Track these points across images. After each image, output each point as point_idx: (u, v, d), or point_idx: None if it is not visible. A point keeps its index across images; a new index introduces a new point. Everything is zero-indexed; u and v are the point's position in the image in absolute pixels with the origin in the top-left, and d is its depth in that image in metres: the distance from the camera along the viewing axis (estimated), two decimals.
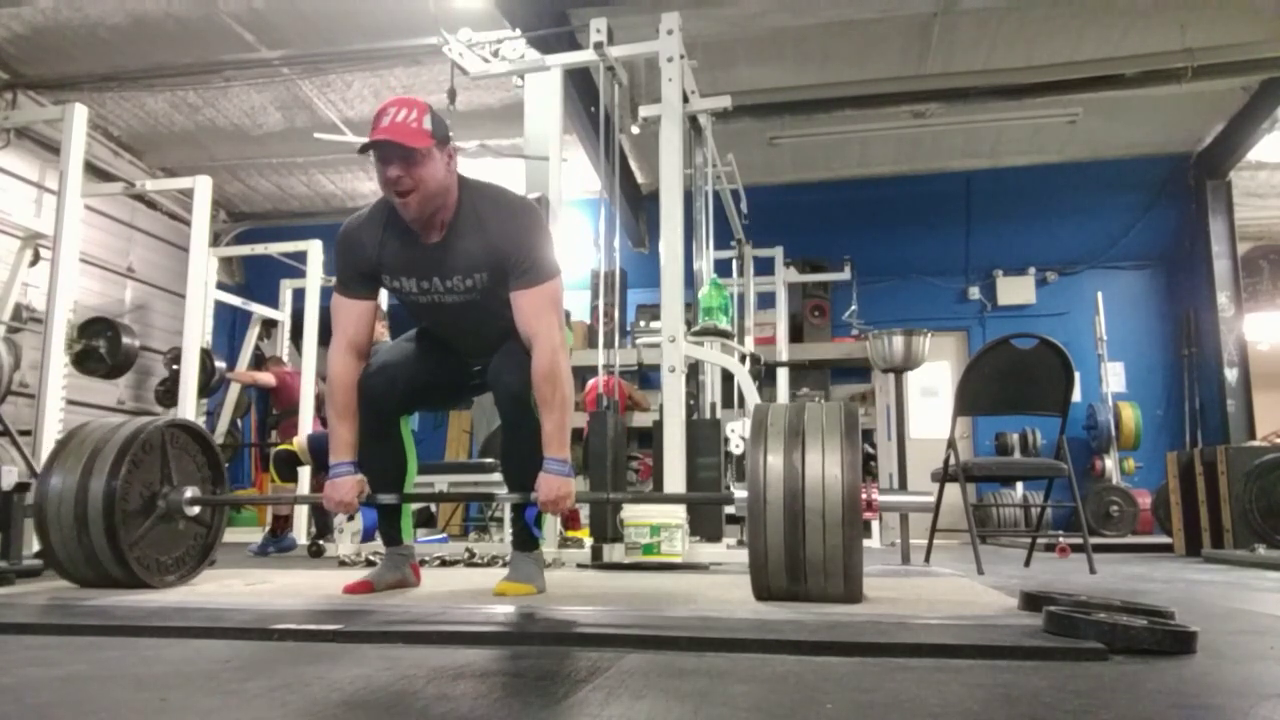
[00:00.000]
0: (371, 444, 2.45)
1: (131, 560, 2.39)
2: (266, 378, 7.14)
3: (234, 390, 7.84)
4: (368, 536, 2.50)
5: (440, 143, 2.26)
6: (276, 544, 5.09)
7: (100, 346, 6.86)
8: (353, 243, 2.40)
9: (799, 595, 2.07)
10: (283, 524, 5.20)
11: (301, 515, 6.04)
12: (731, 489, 3.36)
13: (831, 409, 2.16)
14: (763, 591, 2.11)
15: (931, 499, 2.93)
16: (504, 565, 3.09)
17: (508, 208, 2.36)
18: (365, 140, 2.22)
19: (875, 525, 6.63)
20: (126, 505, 2.41)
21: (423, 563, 2.88)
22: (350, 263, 2.41)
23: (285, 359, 7.57)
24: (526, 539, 2.53)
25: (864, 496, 2.08)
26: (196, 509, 2.61)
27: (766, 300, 7.84)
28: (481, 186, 2.40)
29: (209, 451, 2.75)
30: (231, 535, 7.23)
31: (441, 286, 2.36)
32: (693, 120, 4.71)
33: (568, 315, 5.65)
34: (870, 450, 7.23)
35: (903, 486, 4.15)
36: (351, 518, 4.97)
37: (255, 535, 6.73)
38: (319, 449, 4.92)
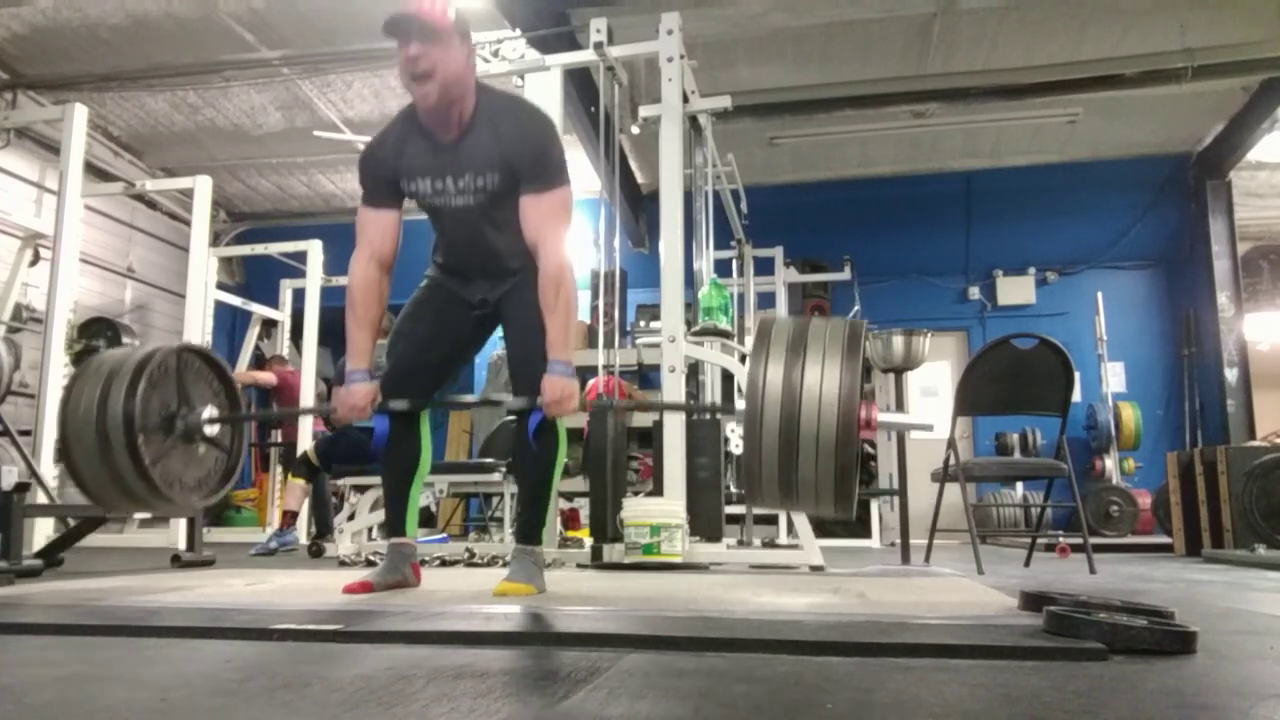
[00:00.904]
0: (392, 438, 2.50)
1: (155, 476, 2.38)
2: (267, 378, 7.14)
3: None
4: (379, 441, 2.52)
5: (462, 35, 2.30)
6: (280, 537, 5.12)
7: (100, 346, 6.85)
8: (374, 152, 2.45)
9: (791, 503, 2.08)
10: (290, 520, 5.24)
11: (302, 516, 6.04)
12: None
13: (835, 325, 2.16)
14: (756, 502, 2.14)
15: (928, 421, 2.93)
16: (504, 565, 3.09)
17: (524, 113, 2.42)
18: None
19: (875, 525, 6.64)
20: (147, 422, 2.40)
21: (423, 563, 2.88)
22: (373, 173, 2.45)
23: (284, 357, 7.56)
24: (530, 516, 2.53)
25: (862, 415, 2.08)
26: (215, 428, 2.60)
27: (766, 300, 7.84)
28: (499, 92, 2.45)
29: (223, 377, 2.72)
30: (231, 535, 7.27)
31: (454, 187, 2.37)
32: (693, 120, 4.71)
33: None
34: (870, 450, 7.23)
35: (902, 488, 4.15)
36: (346, 513, 5.02)
37: (255, 535, 6.75)
38: (324, 453, 4.97)
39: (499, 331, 2.63)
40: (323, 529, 5.16)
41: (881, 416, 2.19)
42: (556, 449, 2.49)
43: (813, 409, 1.97)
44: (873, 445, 7.32)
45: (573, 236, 2.43)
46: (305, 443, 6.22)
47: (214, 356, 2.72)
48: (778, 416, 1.99)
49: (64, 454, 2.42)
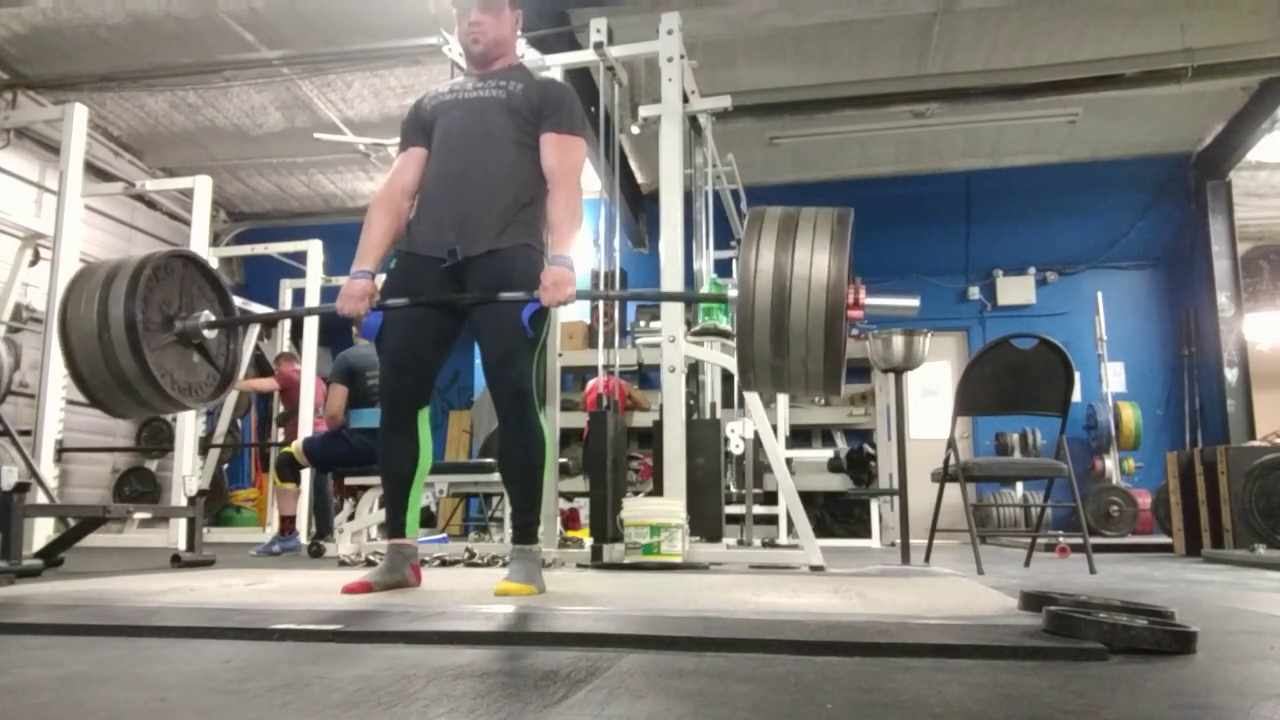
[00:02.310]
0: (391, 437, 2.50)
1: (158, 374, 2.38)
2: (266, 384, 7.14)
3: (234, 390, 7.84)
4: (368, 332, 2.53)
5: (513, 5, 2.64)
6: (283, 543, 5.12)
7: None
8: (415, 109, 2.69)
9: (782, 385, 2.16)
10: (290, 525, 5.22)
11: (302, 516, 6.04)
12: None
13: (824, 213, 2.19)
14: (748, 385, 2.21)
15: (914, 301, 2.95)
16: (504, 565, 3.09)
17: (555, 81, 2.84)
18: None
19: (875, 525, 6.64)
20: (146, 316, 2.40)
21: (423, 563, 2.88)
22: (410, 124, 2.67)
23: (293, 353, 7.51)
24: (525, 489, 2.51)
25: (850, 296, 2.13)
26: (214, 332, 2.60)
27: None
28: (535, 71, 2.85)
29: (215, 285, 2.71)
30: (232, 536, 7.27)
31: (473, 86, 2.60)
32: (693, 120, 4.71)
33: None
34: (870, 450, 7.23)
35: (902, 488, 4.15)
36: (346, 513, 5.01)
37: (255, 535, 6.75)
38: (313, 453, 4.95)
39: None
40: (323, 529, 5.15)
41: (869, 299, 2.27)
42: (542, 445, 2.48)
43: (803, 290, 2.04)
44: (873, 445, 7.32)
45: (585, 179, 2.59)
46: None
47: (204, 262, 2.72)
48: (769, 298, 2.05)
49: (65, 356, 2.44)
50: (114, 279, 2.39)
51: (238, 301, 7.56)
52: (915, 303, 2.89)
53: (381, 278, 2.52)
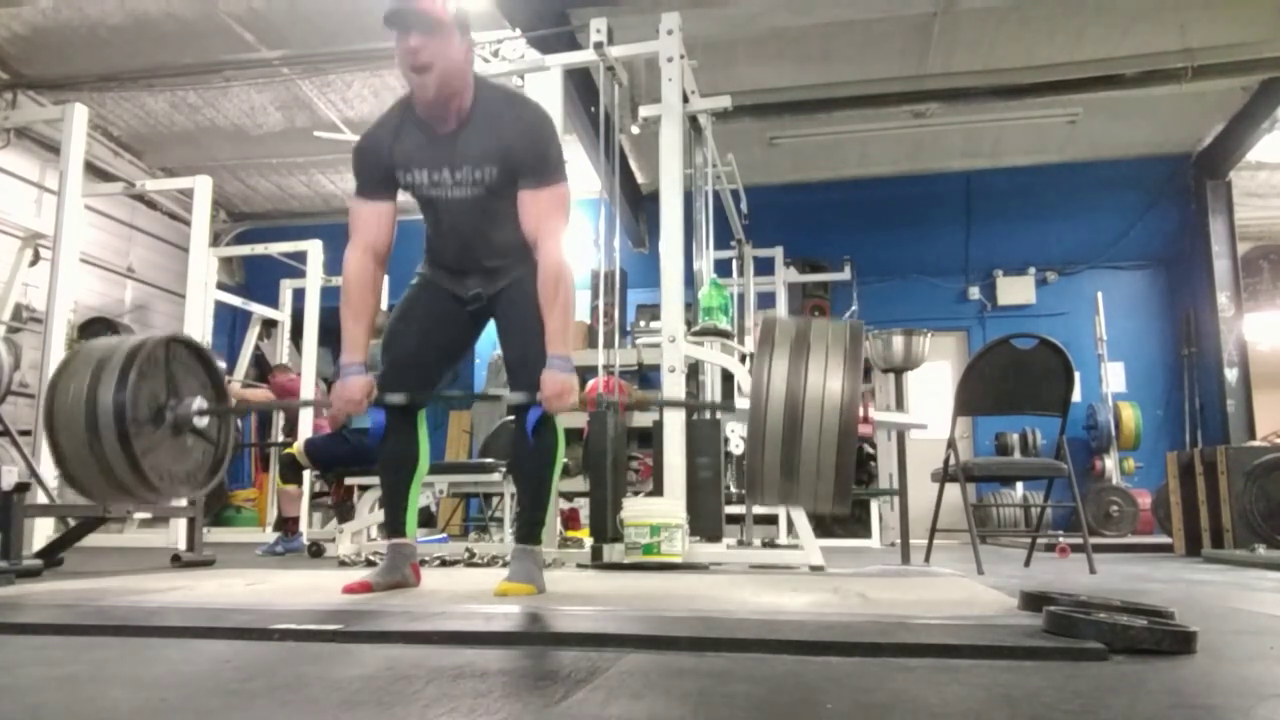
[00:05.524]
0: (389, 438, 2.49)
1: (146, 467, 2.37)
2: (264, 394, 7.14)
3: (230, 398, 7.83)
4: (375, 438, 2.50)
5: (461, 28, 2.30)
6: (286, 543, 5.12)
7: None
8: (370, 144, 2.44)
9: (790, 501, 2.15)
10: (294, 525, 5.22)
11: (303, 516, 6.04)
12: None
13: (837, 327, 2.19)
14: (757, 498, 2.18)
15: (923, 420, 2.98)
16: (504, 565, 3.09)
17: (523, 108, 2.42)
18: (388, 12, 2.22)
19: (875, 525, 6.63)
20: (137, 414, 2.38)
21: (423, 563, 2.88)
22: (367, 164, 2.45)
23: (289, 365, 7.53)
24: (530, 499, 2.52)
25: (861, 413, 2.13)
26: (205, 420, 2.58)
27: (766, 300, 7.84)
28: (497, 86, 2.45)
29: (210, 369, 2.70)
30: (232, 536, 7.26)
31: (451, 179, 2.36)
32: (693, 120, 4.70)
33: None
34: (870, 450, 7.23)
35: (902, 488, 4.15)
36: (350, 502, 5.00)
37: (256, 536, 6.75)
38: (315, 453, 4.95)
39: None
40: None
41: (877, 415, 2.28)
42: (555, 448, 2.49)
43: (815, 409, 2.01)
44: (873, 445, 7.32)
45: (571, 233, 2.43)
46: None
47: (201, 347, 2.70)
48: (781, 414, 2.03)
49: (51, 445, 2.40)
50: (104, 367, 2.35)
51: (238, 302, 7.63)
52: (922, 421, 2.93)
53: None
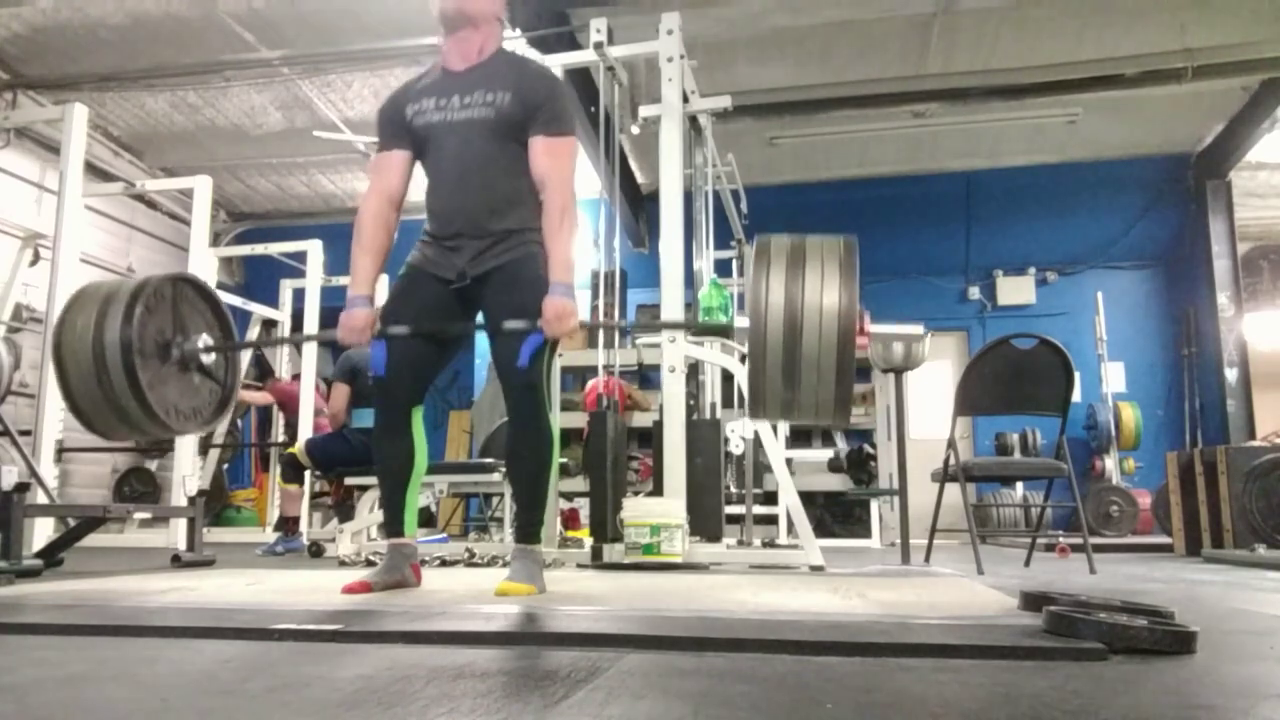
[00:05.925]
0: (386, 438, 2.48)
1: (151, 401, 2.36)
2: (262, 398, 7.14)
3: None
4: (376, 366, 2.50)
5: None
6: (287, 544, 5.12)
7: None
8: (391, 99, 2.57)
9: (793, 414, 2.19)
10: (294, 525, 5.23)
11: (303, 516, 6.04)
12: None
13: (832, 241, 2.20)
14: (759, 413, 2.24)
15: (919, 330, 3.00)
16: (504, 565, 3.09)
17: (541, 67, 2.60)
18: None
19: (875, 525, 6.63)
20: (143, 346, 2.38)
21: (423, 563, 2.88)
22: (387, 116, 2.56)
23: (284, 372, 7.53)
24: (526, 501, 2.51)
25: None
26: (211, 357, 2.58)
27: None
28: (520, 54, 2.65)
29: (217, 310, 2.70)
30: (232, 536, 7.26)
31: (459, 103, 2.45)
32: (693, 120, 4.71)
33: None
34: (870, 450, 7.23)
35: (902, 488, 4.15)
36: (350, 502, 5.00)
37: (256, 535, 6.75)
38: (316, 453, 4.95)
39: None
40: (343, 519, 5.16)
41: (874, 327, 2.32)
42: (549, 447, 2.48)
43: (814, 316, 2.06)
44: (872, 445, 7.32)
45: (578, 181, 2.51)
46: None
47: (208, 288, 2.70)
48: (781, 325, 2.07)
49: (60, 378, 2.42)
50: (111, 301, 2.36)
51: (238, 302, 7.62)
52: (920, 330, 2.93)
53: (382, 296, 2.49)
